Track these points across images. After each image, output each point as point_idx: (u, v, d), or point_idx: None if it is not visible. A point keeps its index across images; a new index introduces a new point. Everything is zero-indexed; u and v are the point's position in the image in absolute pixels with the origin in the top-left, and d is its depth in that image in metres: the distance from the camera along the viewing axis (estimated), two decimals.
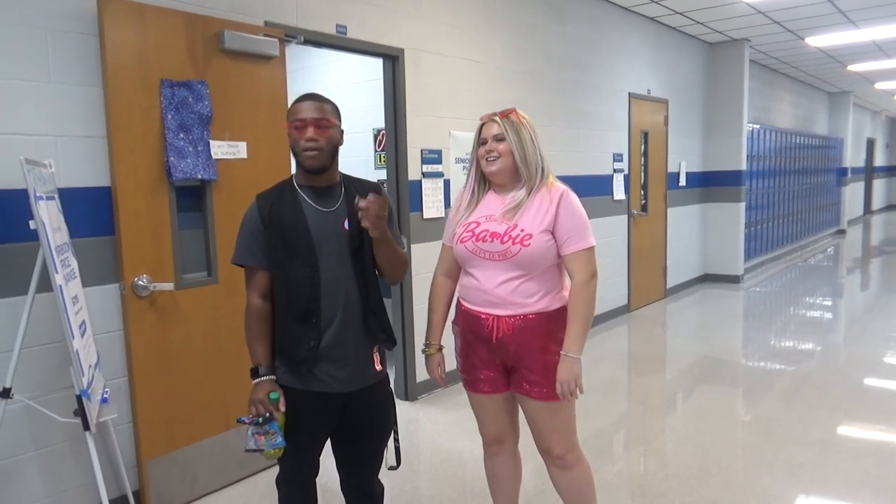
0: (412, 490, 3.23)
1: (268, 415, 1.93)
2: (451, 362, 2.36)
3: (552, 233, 2.13)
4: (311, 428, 2.06)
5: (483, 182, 2.27)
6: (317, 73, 5.77)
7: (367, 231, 2.00)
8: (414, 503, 3.13)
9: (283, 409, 1.96)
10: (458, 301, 2.31)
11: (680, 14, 7.01)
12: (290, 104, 2.08)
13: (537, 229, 2.11)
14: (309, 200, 2.02)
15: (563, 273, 2.22)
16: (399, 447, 2.24)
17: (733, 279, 8.80)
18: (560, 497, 2.39)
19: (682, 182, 8.20)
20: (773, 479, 3.22)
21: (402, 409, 4.29)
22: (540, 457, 2.37)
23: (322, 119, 1.96)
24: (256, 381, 1.99)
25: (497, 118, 2.20)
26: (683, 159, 8.20)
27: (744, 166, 8.68)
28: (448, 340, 2.36)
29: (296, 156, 2.01)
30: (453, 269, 2.32)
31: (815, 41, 8.54)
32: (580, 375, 2.13)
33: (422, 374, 4.49)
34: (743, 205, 8.75)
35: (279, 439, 1.93)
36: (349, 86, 5.47)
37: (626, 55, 6.83)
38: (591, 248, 2.17)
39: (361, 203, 1.89)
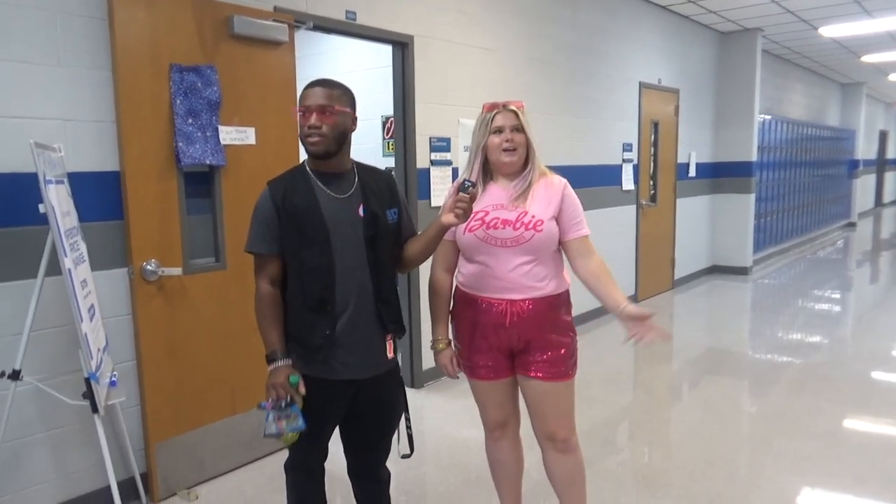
0: (417, 476, 3.24)
1: (289, 398, 1.92)
2: None
3: (556, 219, 2.19)
4: (322, 414, 2.06)
5: (484, 172, 2.27)
6: (325, 59, 5.75)
7: (381, 219, 2.02)
8: (419, 489, 3.14)
9: (303, 391, 1.95)
10: (460, 290, 2.31)
11: (692, 2, 6.94)
12: (299, 90, 2.07)
13: (547, 216, 2.16)
14: (322, 187, 2.00)
15: (563, 258, 2.28)
16: (412, 435, 2.25)
17: (742, 271, 8.76)
18: (554, 484, 2.39)
19: (692, 173, 8.15)
20: (778, 470, 3.21)
21: (409, 396, 4.29)
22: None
23: (326, 106, 1.94)
24: (273, 366, 1.97)
25: (514, 108, 2.20)
26: (693, 150, 8.14)
27: (754, 157, 8.62)
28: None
29: (301, 141, 2.00)
30: (452, 263, 2.33)
31: (829, 31, 8.44)
32: (642, 310, 2.07)
33: (428, 361, 4.50)
34: (753, 196, 8.69)
35: (300, 422, 1.93)
36: (358, 73, 5.45)
37: (638, 44, 6.77)
38: (588, 236, 2.26)
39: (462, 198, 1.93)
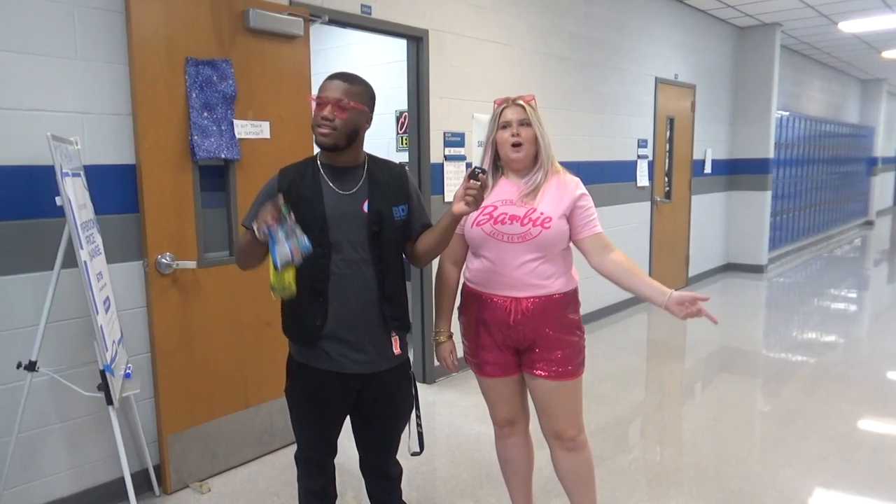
0: (428, 472, 3.25)
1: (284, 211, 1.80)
2: (459, 349, 2.36)
3: (567, 218, 2.17)
4: (327, 406, 2.07)
5: (496, 167, 2.25)
6: (339, 53, 5.74)
7: (386, 216, 2.01)
8: (430, 486, 3.14)
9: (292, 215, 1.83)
10: (467, 286, 2.30)
11: None
12: (313, 84, 2.07)
13: (556, 213, 2.14)
14: (329, 181, 2.01)
15: (572, 257, 2.26)
16: (422, 433, 2.24)
17: (757, 269, 8.68)
18: (563, 483, 2.38)
19: (708, 169, 8.08)
20: (793, 471, 3.19)
21: (420, 391, 4.30)
22: None
23: (341, 100, 1.92)
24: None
25: (522, 103, 2.18)
26: (709, 146, 8.07)
27: (771, 154, 8.52)
28: (457, 327, 2.36)
29: (312, 130, 1.99)
30: (460, 257, 2.31)
31: (849, 26, 8.33)
32: (691, 294, 2.18)
33: None
34: (769, 193, 8.60)
35: (305, 239, 1.80)
36: (372, 67, 5.44)
37: (654, 39, 6.71)
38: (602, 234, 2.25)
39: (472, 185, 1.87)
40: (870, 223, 14.69)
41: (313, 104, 1.97)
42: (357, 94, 1.96)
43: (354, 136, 1.98)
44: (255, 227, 1.82)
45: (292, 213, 1.81)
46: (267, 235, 1.79)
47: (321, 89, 1.97)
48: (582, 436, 2.31)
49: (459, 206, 1.90)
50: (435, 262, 2.33)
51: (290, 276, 1.83)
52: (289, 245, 1.78)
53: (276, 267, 1.79)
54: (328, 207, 1.98)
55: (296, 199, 1.97)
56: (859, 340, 5.69)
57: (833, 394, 4.25)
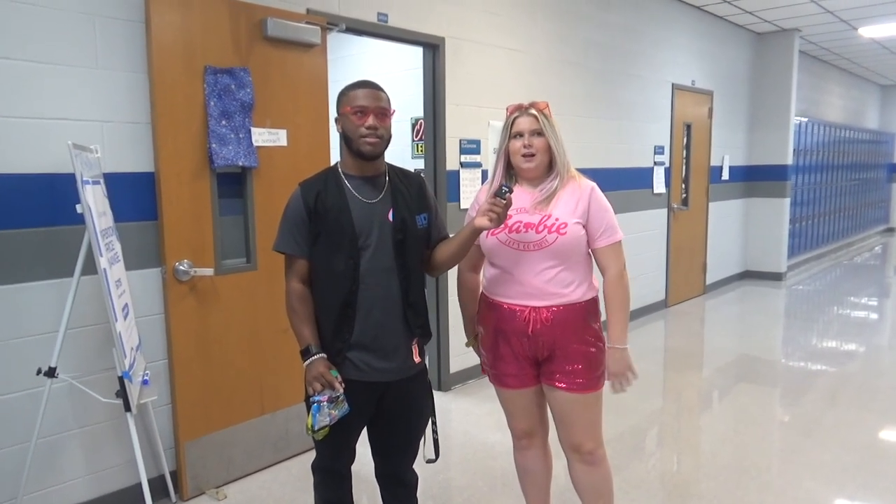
0: (444, 481, 3.23)
1: (340, 386, 1.93)
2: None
3: (583, 225, 2.13)
4: (349, 415, 2.07)
5: (509, 176, 2.23)
6: (355, 61, 5.77)
7: (411, 224, 2.03)
8: (446, 494, 3.13)
9: (340, 378, 1.95)
10: (484, 295, 2.28)
11: (728, 3, 6.82)
12: (331, 92, 2.08)
13: (571, 219, 2.11)
14: (353, 191, 2.01)
15: (592, 264, 2.23)
16: (437, 440, 2.23)
17: (775, 276, 8.58)
18: (581, 496, 2.35)
19: (725, 176, 8.01)
20: (815, 483, 3.13)
21: (436, 399, 4.28)
22: None
23: (383, 108, 1.97)
24: (309, 360, 1.97)
25: (534, 112, 2.14)
26: (727, 153, 8.01)
27: (790, 161, 8.44)
28: None
29: (350, 142, 1.99)
30: (478, 262, 2.31)
31: (869, 31, 8.25)
32: (632, 364, 2.18)
33: (455, 364, 4.49)
34: (788, 200, 8.51)
35: (346, 406, 1.93)
36: (388, 74, 5.46)
37: (671, 45, 6.68)
38: (621, 241, 2.20)
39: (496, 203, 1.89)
40: (890, 230, 14.50)
41: (349, 115, 1.95)
42: (389, 101, 2.02)
43: (390, 141, 2.04)
44: (308, 387, 1.94)
45: (342, 382, 1.93)
46: (313, 400, 1.90)
47: (353, 98, 1.97)
48: (601, 450, 2.27)
49: (482, 221, 1.90)
50: (453, 272, 2.32)
51: (324, 431, 1.93)
52: (330, 417, 1.89)
53: (313, 428, 1.89)
54: (356, 217, 1.98)
55: (323, 211, 1.98)
56: (881, 349, 5.60)
57: (855, 404, 4.18)
